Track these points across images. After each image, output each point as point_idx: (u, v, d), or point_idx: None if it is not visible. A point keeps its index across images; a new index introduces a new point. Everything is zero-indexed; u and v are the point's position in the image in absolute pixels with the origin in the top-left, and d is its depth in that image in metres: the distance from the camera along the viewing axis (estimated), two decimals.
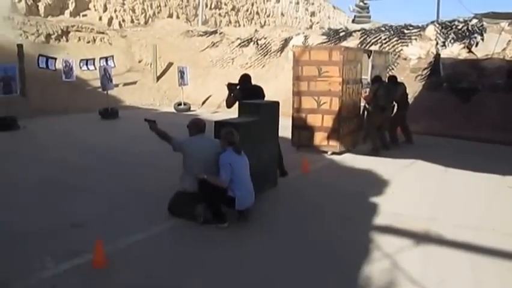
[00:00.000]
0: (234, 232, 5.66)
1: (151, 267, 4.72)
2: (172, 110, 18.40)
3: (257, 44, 22.04)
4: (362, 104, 11.37)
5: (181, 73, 19.07)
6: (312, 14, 42.24)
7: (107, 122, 15.27)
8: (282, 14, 38.22)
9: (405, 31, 18.49)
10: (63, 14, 23.50)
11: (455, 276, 4.71)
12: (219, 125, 6.42)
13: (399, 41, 18.01)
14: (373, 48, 16.72)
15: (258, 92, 8.35)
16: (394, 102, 11.39)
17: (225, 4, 32.85)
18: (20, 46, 16.51)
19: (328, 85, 10.15)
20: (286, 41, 21.12)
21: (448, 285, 4.53)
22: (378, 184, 8.06)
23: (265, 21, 35.71)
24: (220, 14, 32.13)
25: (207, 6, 30.97)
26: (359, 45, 17.95)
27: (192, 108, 18.76)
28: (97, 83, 17.97)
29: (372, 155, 10.34)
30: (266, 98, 8.31)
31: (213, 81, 20.11)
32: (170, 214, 6.08)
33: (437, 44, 17.14)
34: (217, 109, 18.03)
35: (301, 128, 10.56)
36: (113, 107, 16.44)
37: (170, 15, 28.66)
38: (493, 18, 17.80)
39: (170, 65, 22.58)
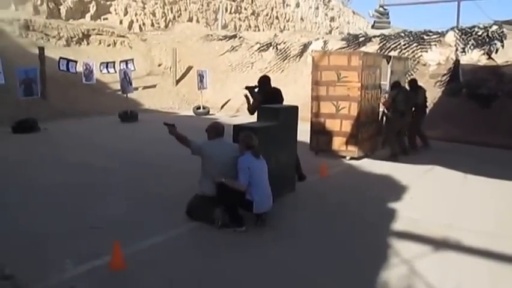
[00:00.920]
0: (251, 236, 5.67)
1: (168, 270, 4.75)
2: (191, 113, 18.49)
3: (276, 48, 22.06)
4: (381, 109, 11.32)
5: (201, 77, 19.16)
6: (332, 19, 42.17)
7: (127, 125, 15.38)
8: (302, 19, 38.21)
9: (425, 37, 18.37)
10: (84, 18, 23.75)
11: (473, 283, 4.67)
12: (238, 128, 6.45)
13: (418, 47, 17.90)
14: (392, 53, 16.64)
15: (278, 94, 8.36)
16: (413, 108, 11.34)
17: (245, 9, 32.94)
18: (41, 49, 16.72)
19: (347, 90, 10.13)
20: (305, 46, 21.10)
21: None
22: (396, 189, 8.01)
23: (284, 26, 35.71)
24: (239, 19, 32.22)
25: (226, 10, 31.09)
26: (378, 51, 17.88)
27: (210, 112, 18.84)
28: (117, 86, 18.14)
29: (390, 161, 10.29)
30: (285, 103, 8.31)
31: (232, 85, 20.15)
32: (188, 217, 6.10)
33: (456, 50, 17.01)
34: (236, 113, 18.07)
35: (320, 132, 10.55)
36: (133, 110, 16.57)
37: (190, 19, 28.80)
38: None
39: (189, 68, 22.70)
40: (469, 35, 17.49)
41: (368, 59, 10.41)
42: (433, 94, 15.48)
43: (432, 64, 17.09)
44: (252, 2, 33.74)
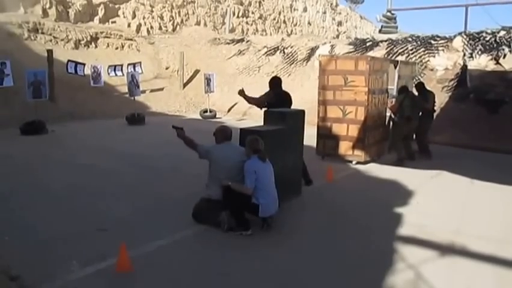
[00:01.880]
0: (257, 240, 5.68)
1: (174, 273, 4.77)
2: (198, 117, 18.54)
3: (283, 52, 22.08)
4: (388, 113, 11.31)
5: (208, 80, 19.21)
6: (339, 23, 42.18)
7: (134, 128, 15.43)
8: (309, 23, 38.23)
9: (433, 42, 18.32)
10: (92, 21, 23.89)
11: None
12: (245, 132, 6.46)
13: (426, 52, 17.85)
14: (400, 58, 16.62)
15: (288, 97, 8.38)
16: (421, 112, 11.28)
17: (252, 13, 33.00)
18: (50, 51, 16.81)
19: (354, 95, 10.13)
20: (312, 50, 21.12)
21: None
22: (403, 194, 7.99)
23: (292, 30, 35.76)
24: (247, 23, 32.27)
25: (234, 14, 31.16)
26: (386, 55, 17.85)
27: (217, 116, 18.88)
28: (125, 89, 18.22)
29: (397, 165, 10.27)
30: (291, 106, 8.32)
31: (239, 88, 20.12)
32: (194, 220, 6.11)
33: (464, 55, 16.95)
34: (243, 116, 18.10)
35: (327, 137, 10.55)
36: (140, 112, 16.63)
37: (198, 23, 28.88)
38: None
39: (197, 72, 22.76)
40: (477, 40, 17.43)
41: (375, 64, 10.40)
42: (440, 99, 15.41)
43: (439, 69, 17.03)
44: (260, 6, 33.81)
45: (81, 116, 16.26)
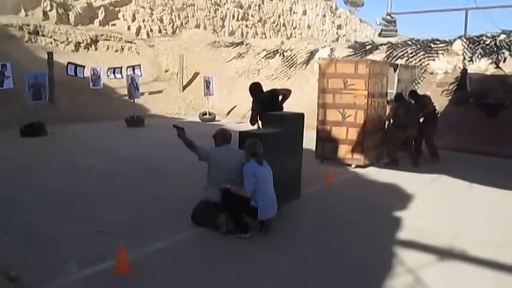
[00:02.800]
0: (256, 243, 5.67)
1: (173, 275, 4.77)
2: (197, 119, 18.52)
3: (283, 55, 22.09)
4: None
5: (207, 83, 19.22)
6: (339, 26, 42.20)
7: (133, 130, 15.44)
8: (309, 27, 38.26)
9: (432, 45, 18.32)
10: (92, 23, 23.90)
11: None
12: (244, 135, 6.46)
13: (426, 55, 17.85)
14: (399, 62, 16.61)
15: (274, 96, 8.38)
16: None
17: (252, 16, 33.03)
18: (50, 54, 16.83)
19: (353, 98, 10.13)
20: (312, 53, 21.12)
21: None
22: (402, 198, 7.98)
23: (291, 33, 35.78)
24: (246, 26, 32.30)
25: (233, 17, 31.18)
26: (385, 59, 17.86)
27: (216, 118, 18.87)
28: (124, 91, 18.24)
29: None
30: (290, 110, 8.31)
31: (239, 92, 20.16)
32: (193, 223, 6.11)
33: (464, 59, 16.95)
34: (242, 119, 18.08)
35: (326, 140, 10.54)
36: (139, 115, 16.64)
37: (197, 26, 28.90)
38: None
39: (196, 75, 22.78)
40: (477, 43, 17.43)
41: (375, 67, 10.40)
42: (440, 103, 15.42)
43: (439, 73, 17.04)
44: (259, 9, 33.84)
45: (81, 118, 16.27)
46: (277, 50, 22.59)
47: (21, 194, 7.50)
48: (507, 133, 13.19)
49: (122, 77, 18.83)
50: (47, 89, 14.29)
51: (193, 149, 6.28)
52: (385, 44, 19.69)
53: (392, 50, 18.88)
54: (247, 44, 24.15)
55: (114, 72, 19.29)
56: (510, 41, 16.94)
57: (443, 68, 17.10)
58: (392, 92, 11.49)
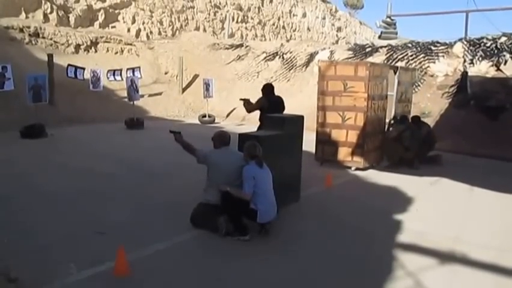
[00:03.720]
0: (255, 245, 5.65)
1: (171, 277, 4.75)
2: (197, 121, 18.51)
3: (283, 58, 22.09)
4: (387, 120, 11.32)
5: (207, 85, 19.20)
6: (339, 29, 42.23)
7: (133, 132, 15.41)
8: (308, 29, 38.27)
9: (433, 48, 18.33)
10: (92, 26, 23.87)
11: None
12: (243, 137, 6.43)
13: (426, 58, 17.85)
14: (399, 64, 16.61)
15: (281, 103, 8.50)
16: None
17: (252, 18, 33.04)
18: (50, 56, 16.82)
19: (353, 100, 10.11)
20: (311, 56, 21.13)
21: None
22: (402, 201, 7.96)
23: (291, 36, 35.78)
24: (246, 28, 32.31)
25: (233, 19, 31.18)
26: (385, 61, 17.87)
27: (216, 121, 18.85)
28: (124, 94, 18.21)
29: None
30: (290, 112, 8.33)
31: (238, 94, 19.98)
32: (192, 225, 6.09)
33: (464, 61, 16.95)
34: (241, 122, 18.08)
35: (325, 142, 10.52)
36: (139, 117, 16.61)
37: (197, 28, 28.90)
38: None
39: (196, 77, 22.77)
40: (477, 46, 17.43)
41: (375, 70, 10.38)
42: (440, 105, 15.46)
43: (439, 75, 17.03)
44: (259, 11, 33.85)
45: (80, 120, 16.25)
46: (276, 53, 22.59)
47: (21, 195, 7.48)
48: (508, 136, 13.18)
49: (122, 79, 18.79)
50: (47, 91, 14.27)
51: (191, 152, 6.27)
52: (385, 47, 19.70)
53: (392, 53, 18.88)
54: (246, 46, 24.15)
55: (114, 75, 19.27)
56: (511, 43, 16.93)
57: (443, 71, 17.10)
58: (392, 94, 11.47)
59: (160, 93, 21.49)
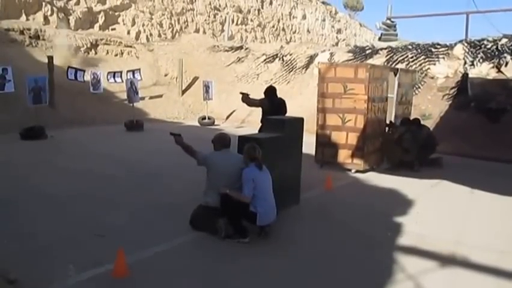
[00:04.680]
0: (255, 248, 5.63)
1: (171, 279, 4.73)
2: (196, 123, 18.50)
3: (282, 60, 22.09)
4: (387, 121, 11.30)
5: (206, 87, 19.19)
6: (339, 31, 42.24)
7: (133, 134, 15.40)
8: (308, 31, 38.27)
9: (433, 50, 18.30)
10: (93, 28, 23.89)
11: None
12: (243, 139, 6.42)
13: (426, 60, 17.83)
14: (400, 66, 16.60)
15: (283, 105, 8.52)
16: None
17: (251, 20, 33.05)
18: (50, 58, 16.82)
19: (353, 102, 10.09)
20: (311, 58, 21.12)
21: None
22: (402, 204, 7.94)
23: (291, 38, 35.78)
24: (246, 30, 32.32)
25: (233, 22, 31.19)
26: (385, 63, 17.84)
27: (216, 123, 18.84)
28: (124, 96, 18.22)
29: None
30: (290, 114, 8.32)
31: (238, 96, 19.85)
32: (192, 227, 6.08)
33: (465, 63, 16.92)
34: (241, 124, 18.06)
35: (325, 144, 10.50)
36: (139, 119, 16.61)
37: (197, 30, 28.90)
38: None
39: (195, 79, 22.76)
40: (478, 48, 17.40)
41: (375, 72, 10.37)
42: (441, 107, 15.44)
43: (440, 77, 17.01)
44: (259, 13, 33.86)
45: (80, 122, 16.24)
46: (276, 55, 22.60)
47: (20, 196, 7.48)
48: (509, 138, 13.15)
49: (122, 81, 18.81)
50: (47, 93, 14.29)
51: (191, 154, 6.26)
52: (385, 49, 19.68)
53: (392, 54, 18.86)
54: (246, 49, 24.16)
55: (114, 77, 19.31)
56: None
57: (443, 73, 17.08)
58: (392, 96, 11.46)
59: (159, 96, 21.49)
